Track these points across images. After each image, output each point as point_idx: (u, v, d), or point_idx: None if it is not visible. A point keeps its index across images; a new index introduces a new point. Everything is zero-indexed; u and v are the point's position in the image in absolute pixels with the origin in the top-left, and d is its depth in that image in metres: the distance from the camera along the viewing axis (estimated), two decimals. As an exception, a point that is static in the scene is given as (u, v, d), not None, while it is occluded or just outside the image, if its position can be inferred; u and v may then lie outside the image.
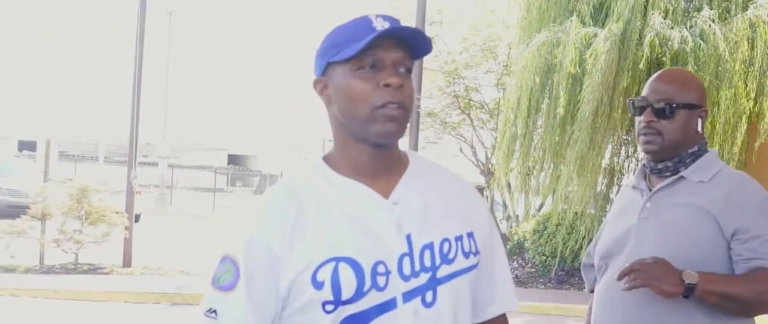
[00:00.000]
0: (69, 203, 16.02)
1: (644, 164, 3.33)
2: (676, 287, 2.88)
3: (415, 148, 14.82)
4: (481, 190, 20.97)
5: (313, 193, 2.25)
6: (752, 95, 13.82)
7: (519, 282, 16.02)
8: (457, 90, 20.55)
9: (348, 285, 2.15)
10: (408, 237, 2.23)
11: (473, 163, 21.14)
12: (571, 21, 13.40)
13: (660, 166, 3.23)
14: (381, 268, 2.17)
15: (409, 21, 16.61)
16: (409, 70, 2.24)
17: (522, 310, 13.36)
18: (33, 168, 23.83)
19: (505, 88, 14.61)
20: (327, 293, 2.14)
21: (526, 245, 17.42)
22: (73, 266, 15.99)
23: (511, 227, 19.31)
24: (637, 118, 3.24)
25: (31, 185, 18.51)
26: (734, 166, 14.15)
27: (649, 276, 2.90)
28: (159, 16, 37.33)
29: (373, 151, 2.25)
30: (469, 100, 20.64)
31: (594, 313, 3.30)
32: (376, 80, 2.19)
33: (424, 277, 2.22)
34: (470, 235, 2.34)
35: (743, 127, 14.03)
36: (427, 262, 2.23)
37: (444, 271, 2.26)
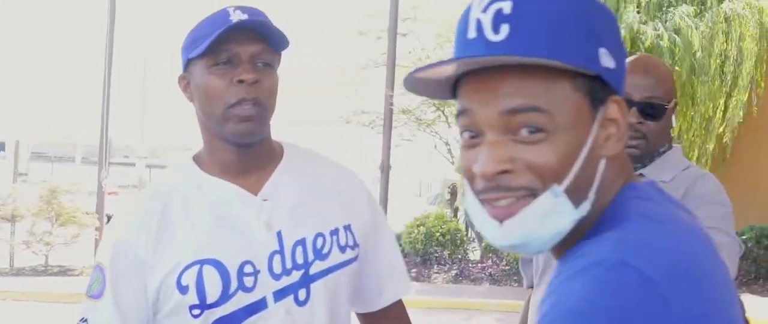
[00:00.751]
0: (39, 204, 15.86)
1: None
2: None
3: (389, 146, 14.75)
4: (456, 187, 20.89)
5: (181, 194, 2.16)
6: (727, 89, 13.84)
7: (493, 280, 15.92)
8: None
9: (213, 288, 2.07)
10: (278, 234, 2.16)
11: (448, 161, 21.02)
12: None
13: None
14: (248, 268, 2.10)
15: (382, 17, 16.56)
16: (269, 64, 2.13)
17: (495, 307, 13.29)
18: (3, 169, 23.70)
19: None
20: (192, 297, 2.07)
21: (501, 243, 17.31)
22: (43, 268, 15.84)
23: (486, 226, 19.13)
24: None
25: (1, 186, 18.37)
26: (709, 161, 14.17)
27: None
28: (138, 16, 37.17)
29: (238, 149, 2.16)
30: (447, 98, 20.51)
31: (531, 313, 3.09)
32: (230, 76, 2.08)
33: (296, 275, 2.15)
34: (347, 227, 2.26)
35: (718, 121, 14.04)
36: (300, 259, 2.17)
37: (317, 267, 2.19)
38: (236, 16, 2.07)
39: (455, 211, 20.70)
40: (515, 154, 1.23)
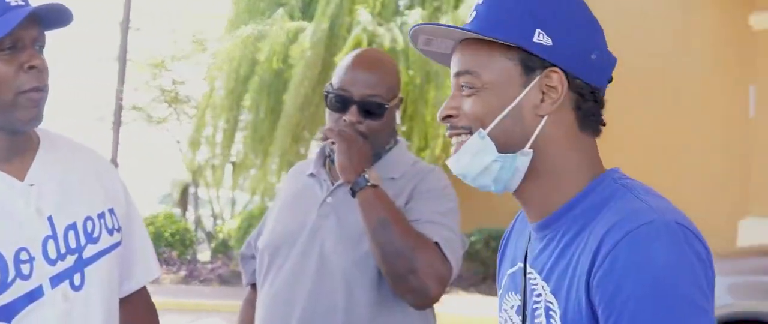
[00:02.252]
0: None
1: (328, 152, 2.87)
2: (353, 171, 2.63)
3: (117, 143, 14.39)
4: (186, 187, 20.58)
5: None
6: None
7: (222, 280, 15.89)
8: (163, 83, 20.05)
9: None
10: (49, 219, 2.13)
11: (181, 159, 20.68)
12: (277, 14, 13.33)
13: None
14: (24, 255, 2.07)
15: (118, 10, 16.16)
16: (43, 47, 2.12)
17: (224, 308, 13.08)
18: None
19: (212, 83, 14.41)
20: None
21: (231, 243, 17.14)
22: None
23: (216, 225, 18.96)
24: (334, 115, 2.75)
25: None
26: (441, 164, 14.48)
27: (345, 138, 2.65)
28: None
29: (9, 136, 2.12)
30: (176, 93, 20.19)
31: (262, 315, 2.86)
32: (18, 62, 2.05)
33: (70, 260, 2.14)
34: (111, 211, 2.28)
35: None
36: (73, 243, 2.16)
37: (90, 251, 2.19)
38: (15, 1, 2.05)
39: (185, 211, 20.40)
40: (458, 104, 1.64)
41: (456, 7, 14.22)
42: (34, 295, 2.07)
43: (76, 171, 2.27)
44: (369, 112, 2.71)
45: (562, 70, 1.60)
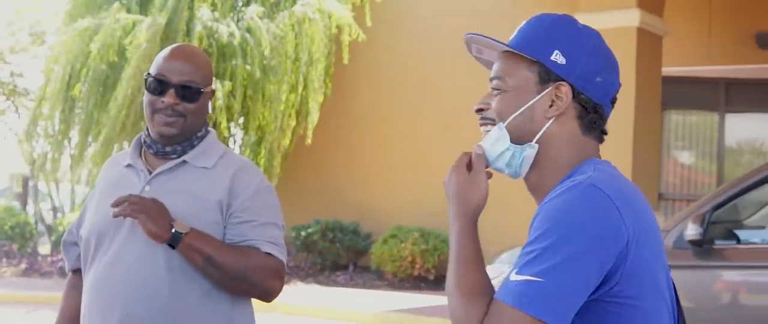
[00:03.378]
0: None
1: (143, 141, 3.08)
2: (164, 231, 2.80)
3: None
4: (27, 180, 20.29)
5: None
6: (300, 89, 14.41)
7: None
8: (1, 76, 19.72)
9: None
10: None
11: (19, 153, 20.39)
12: (114, 7, 13.26)
13: (168, 148, 3.03)
14: None
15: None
16: None
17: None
18: None
19: (48, 75, 14.18)
20: None
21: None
22: None
23: (56, 218, 18.77)
24: (152, 98, 2.97)
25: None
26: (282, 158, 14.74)
27: (141, 210, 2.80)
28: None
29: None
30: (15, 86, 19.89)
31: (87, 299, 3.00)
32: None
33: None
34: None
35: (293, 120, 14.61)
36: None
37: None
38: None
39: (24, 204, 20.12)
40: (490, 101, 2.09)
41: (293, 3, 14.42)
42: None
43: None
44: (185, 96, 2.95)
45: (570, 84, 1.99)
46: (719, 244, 6.50)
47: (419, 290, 13.73)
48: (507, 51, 2.08)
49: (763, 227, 7.53)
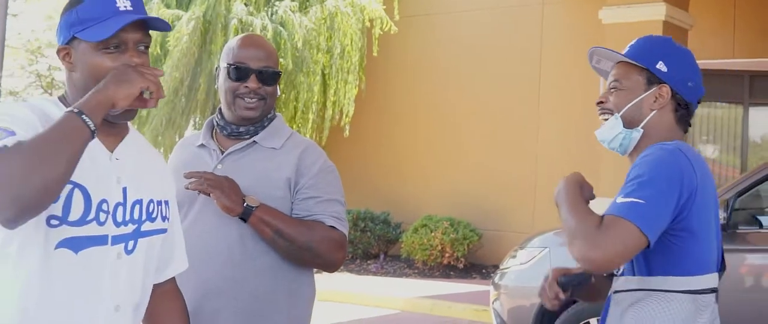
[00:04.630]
0: None
1: (216, 123, 3.32)
2: (237, 206, 3.03)
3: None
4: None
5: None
6: (332, 82, 14.62)
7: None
8: (39, 69, 20.04)
9: (77, 208, 2.31)
10: (124, 190, 2.44)
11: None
12: (154, 3, 13.56)
13: (242, 129, 3.25)
14: (105, 206, 2.37)
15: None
16: (147, 47, 2.45)
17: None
18: None
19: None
20: (56, 209, 2.27)
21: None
22: None
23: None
24: (235, 84, 3.21)
25: None
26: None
27: (215, 186, 3.03)
28: None
29: (109, 118, 2.38)
30: (52, 79, 20.20)
31: None
32: (121, 60, 2.35)
33: (130, 227, 2.45)
34: (167, 202, 2.61)
35: (326, 112, 14.79)
36: (136, 215, 2.46)
37: (147, 227, 2.50)
38: (122, 4, 2.38)
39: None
40: (607, 97, 2.82)
41: (322, 0, 14.62)
42: (99, 241, 2.35)
43: (149, 160, 2.61)
44: (265, 80, 3.22)
45: (670, 87, 2.77)
46: (743, 229, 6.73)
47: (448, 278, 13.93)
48: (623, 60, 2.85)
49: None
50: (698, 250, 2.62)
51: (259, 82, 3.22)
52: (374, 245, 15.31)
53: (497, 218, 14.90)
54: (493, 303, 7.68)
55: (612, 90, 2.79)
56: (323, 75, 14.59)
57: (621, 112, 2.76)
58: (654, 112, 2.76)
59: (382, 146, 16.47)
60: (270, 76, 3.24)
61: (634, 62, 2.79)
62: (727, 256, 6.56)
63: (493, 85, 15.41)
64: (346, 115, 14.70)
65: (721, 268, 2.79)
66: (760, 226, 6.93)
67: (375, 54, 14.94)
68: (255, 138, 3.27)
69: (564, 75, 14.77)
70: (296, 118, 14.52)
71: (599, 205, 8.96)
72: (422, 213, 15.03)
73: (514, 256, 7.61)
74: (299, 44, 13.81)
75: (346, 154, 16.30)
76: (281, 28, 13.94)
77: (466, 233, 14.30)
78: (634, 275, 2.69)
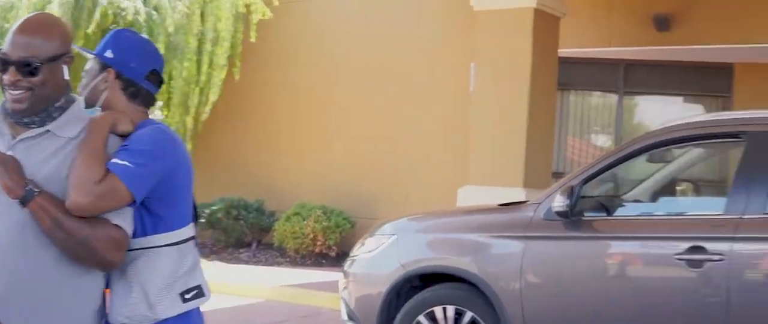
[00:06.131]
0: None
1: (6, 107, 3.09)
2: (18, 188, 2.88)
3: None
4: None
5: None
6: (204, 67, 14.47)
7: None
8: None
9: None
10: None
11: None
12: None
13: (27, 119, 3.05)
14: None
15: None
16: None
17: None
18: None
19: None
20: None
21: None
22: None
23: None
24: (1, 75, 3.02)
25: None
26: (189, 135, 14.75)
27: (4, 166, 2.90)
28: None
29: None
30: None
31: None
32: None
33: None
34: None
35: (195, 97, 14.64)
36: None
37: None
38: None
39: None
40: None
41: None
42: None
43: None
44: (26, 72, 2.97)
45: (115, 69, 3.21)
46: (589, 215, 6.64)
47: (320, 267, 13.87)
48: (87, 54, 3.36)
49: (639, 201, 7.69)
50: (179, 208, 3.19)
51: (19, 74, 2.99)
52: (247, 234, 15.16)
53: (371, 206, 14.81)
54: (341, 291, 7.53)
55: (83, 78, 3.27)
56: (198, 61, 14.41)
57: (82, 96, 3.24)
58: (105, 91, 3.22)
59: (257, 134, 16.31)
60: (31, 68, 2.99)
61: (91, 54, 3.31)
62: (572, 244, 6.55)
63: (368, 73, 15.34)
64: (211, 100, 14.60)
65: (195, 218, 3.35)
66: (608, 212, 6.88)
67: (253, 40, 14.78)
68: (49, 127, 3.05)
69: (437, 61, 14.78)
70: (170, 104, 14.35)
71: (469, 195, 8.84)
72: (297, 201, 14.90)
73: (363, 244, 7.45)
74: (171, 29, 13.60)
75: (222, 141, 16.17)
76: (154, 13, 13.70)
77: (339, 221, 14.24)
78: (134, 238, 3.08)
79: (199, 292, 3.28)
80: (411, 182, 14.77)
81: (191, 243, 3.27)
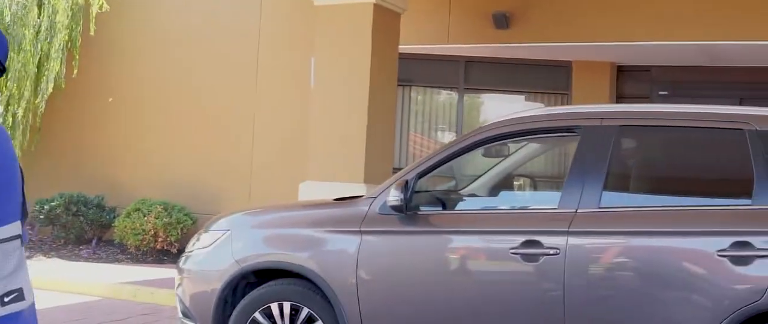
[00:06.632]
0: None
1: None
2: None
3: None
4: None
5: None
6: (39, 59, 14.21)
7: None
8: None
9: None
10: None
11: None
12: None
13: None
14: None
15: None
16: None
17: None
18: None
19: None
20: None
21: None
22: None
23: None
24: None
25: None
26: (27, 129, 14.43)
27: None
28: None
29: None
30: None
31: None
32: None
33: None
34: None
35: (29, 89, 14.34)
36: None
37: None
38: None
39: None
40: None
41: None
42: None
43: None
44: None
45: None
46: (425, 210, 6.68)
47: (162, 264, 13.72)
48: None
49: (476, 196, 7.78)
50: (5, 206, 2.69)
51: None
52: (87, 230, 14.90)
53: (213, 202, 14.70)
54: (177, 289, 7.42)
55: None
56: (33, 54, 14.13)
57: None
58: None
59: (97, 129, 16.00)
60: None
61: None
62: (406, 239, 6.60)
63: (211, 69, 15.24)
64: (44, 93, 14.30)
65: (24, 216, 2.88)
66: (444, 207, 6.94)
67: (92, 33, 14.54)
68: None
69: (280, 58, 14.78)
70: (10, 98, 14.08)
71: (309, 190, 8.79)
72: (138, 197, 14.69)
73: (198, 239, 7.36)
74: (7, 19, 13.32)
75: (61, 136, 15.85)
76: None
77: (180, 217, 14.10)
78: None
79: (19, 295, 3.20)
80: (254, 178, 14.73)
81: (17, 242, 3.17)
